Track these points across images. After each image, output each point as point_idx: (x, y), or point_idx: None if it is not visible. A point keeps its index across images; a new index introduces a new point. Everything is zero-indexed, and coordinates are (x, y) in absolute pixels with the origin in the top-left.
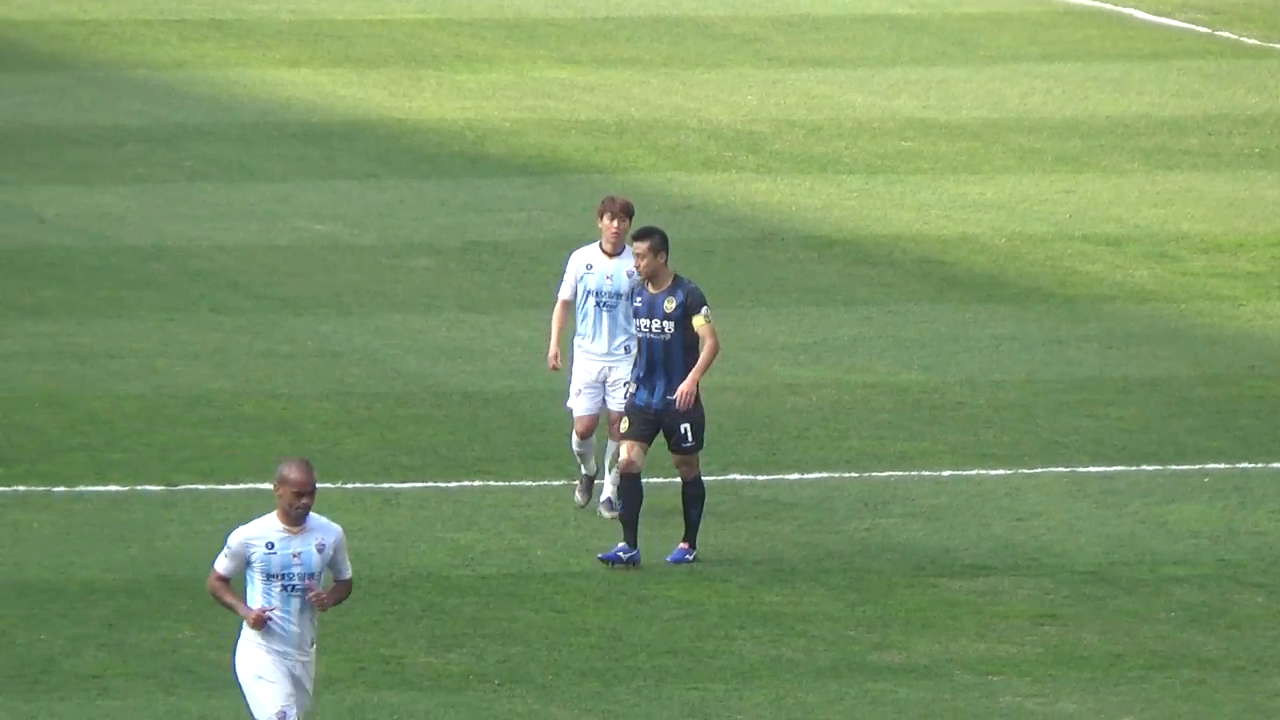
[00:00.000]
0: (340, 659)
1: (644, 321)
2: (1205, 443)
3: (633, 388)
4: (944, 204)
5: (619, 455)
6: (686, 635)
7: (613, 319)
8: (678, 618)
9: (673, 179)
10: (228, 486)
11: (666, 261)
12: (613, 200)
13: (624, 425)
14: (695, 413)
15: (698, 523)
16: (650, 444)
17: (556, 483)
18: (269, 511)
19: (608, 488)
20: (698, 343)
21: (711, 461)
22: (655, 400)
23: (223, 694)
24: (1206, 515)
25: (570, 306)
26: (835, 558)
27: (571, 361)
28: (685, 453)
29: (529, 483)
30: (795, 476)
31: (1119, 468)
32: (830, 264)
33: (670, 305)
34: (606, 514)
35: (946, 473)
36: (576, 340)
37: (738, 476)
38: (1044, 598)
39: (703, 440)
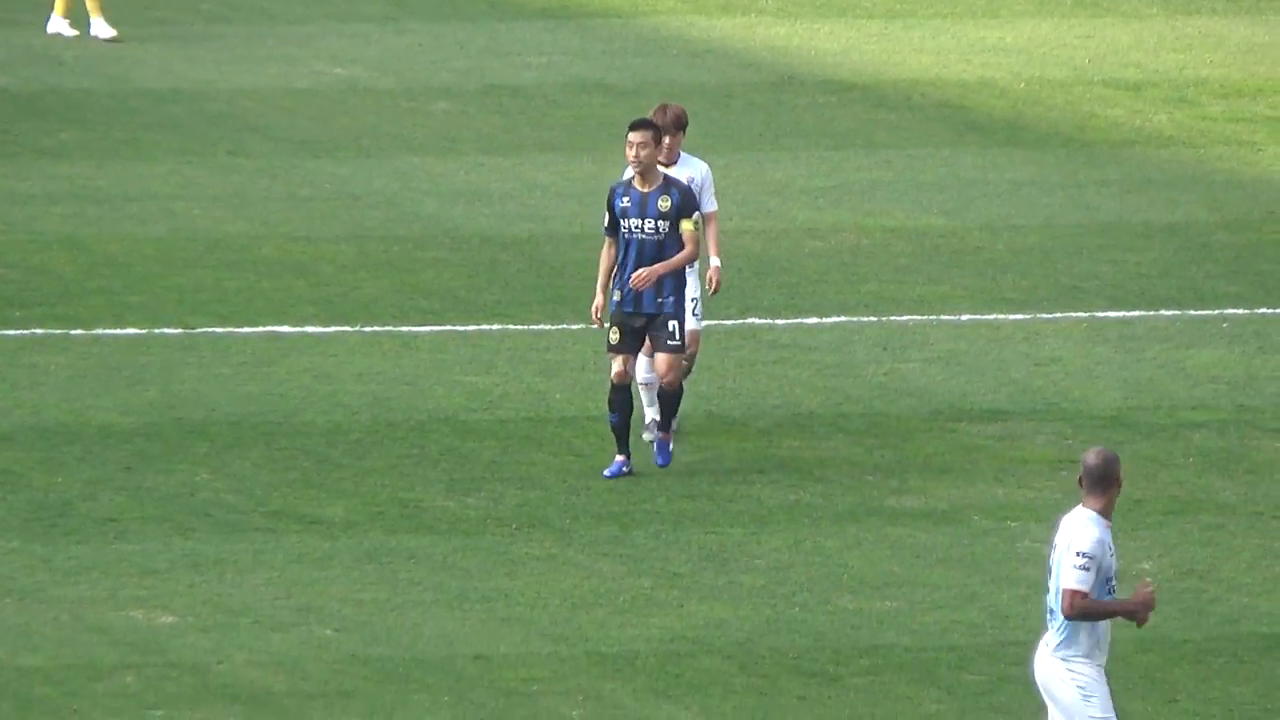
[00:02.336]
0: (358, 503)
1: (634, 221)
2: (1224, 288)
3: (617, 295)
4: (963, 48)
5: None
6: (704, 480)
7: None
8: (696, 462)
9: (692, 23)
10: (245, 330)
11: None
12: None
13: (614, 337)
14: (682, 312)
15: (672, 415)
16: (638, 353)
17: (575, 326)
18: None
19: (649, 413)
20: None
21: (730, 306)
22: (647, 304)
23: (240, 537)
24: (1225, 360)
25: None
26: (853, 402)
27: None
28: (672, 351)
29: (547, 326)
30: (814, 321)
31: (1138, 313)
32: (849, 108)
33: (665, 204)
34: (648, 437)
35: (965, 317)
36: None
37: (756, 321)
38: (1062, 443)
39: (685, 343)
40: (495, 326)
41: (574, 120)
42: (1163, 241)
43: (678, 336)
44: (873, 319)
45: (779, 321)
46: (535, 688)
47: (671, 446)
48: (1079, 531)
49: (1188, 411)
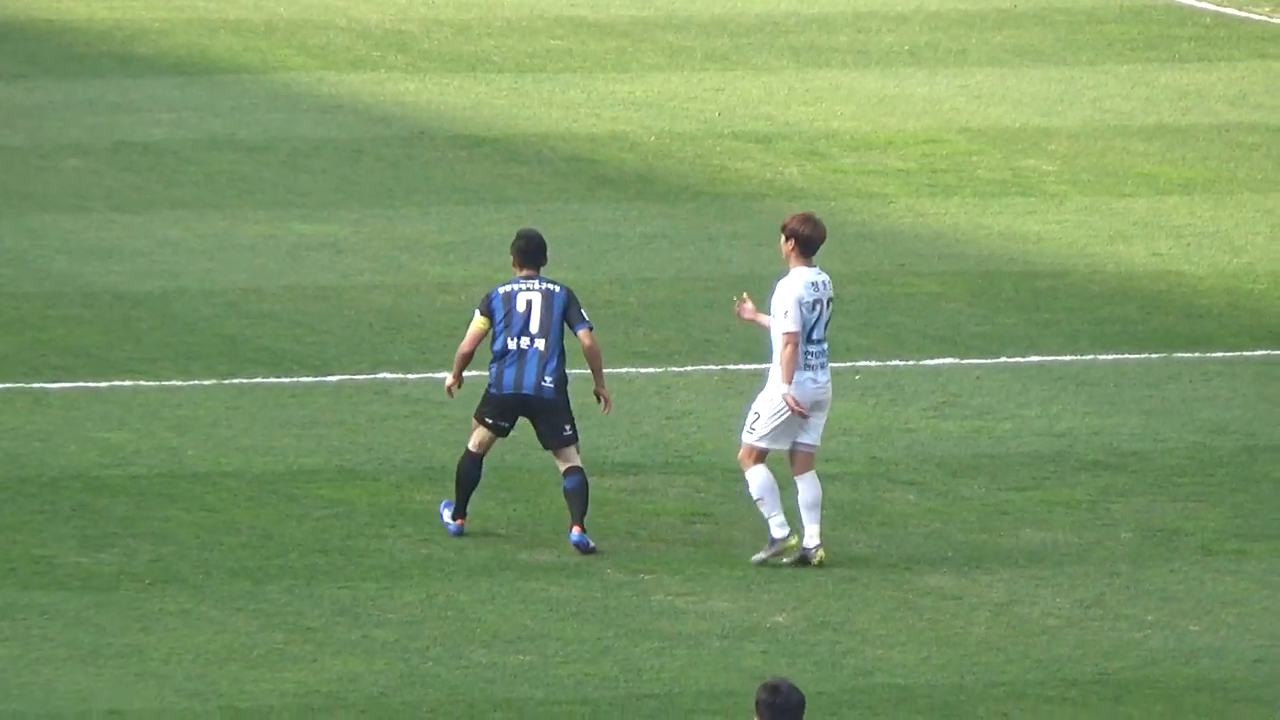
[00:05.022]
0: None
1: None
2: (856, 340)
3: None
4: (593, 102)
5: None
6: (337, 534)
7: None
8: (328, 516)
9: (322, 79)
10: None
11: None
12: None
13: None
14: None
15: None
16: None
17: (207, 382)
18: None
19: (810, 537)
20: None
21: (362, 360)
22: None
23: None
24: (858, 413)
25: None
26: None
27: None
28: None
29: (180, 382)
30: (444, 375)
31: (770, 365)
32: (480, 163)
33: None
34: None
35: None
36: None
37: (388, 375)
38: (695, 496)
39: (478, 414)
40: (127, 383)
41: (204, 177)
42: None
43: None
44: None
45: (411, 376)
46: None
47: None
48: None
49: (821, 464)
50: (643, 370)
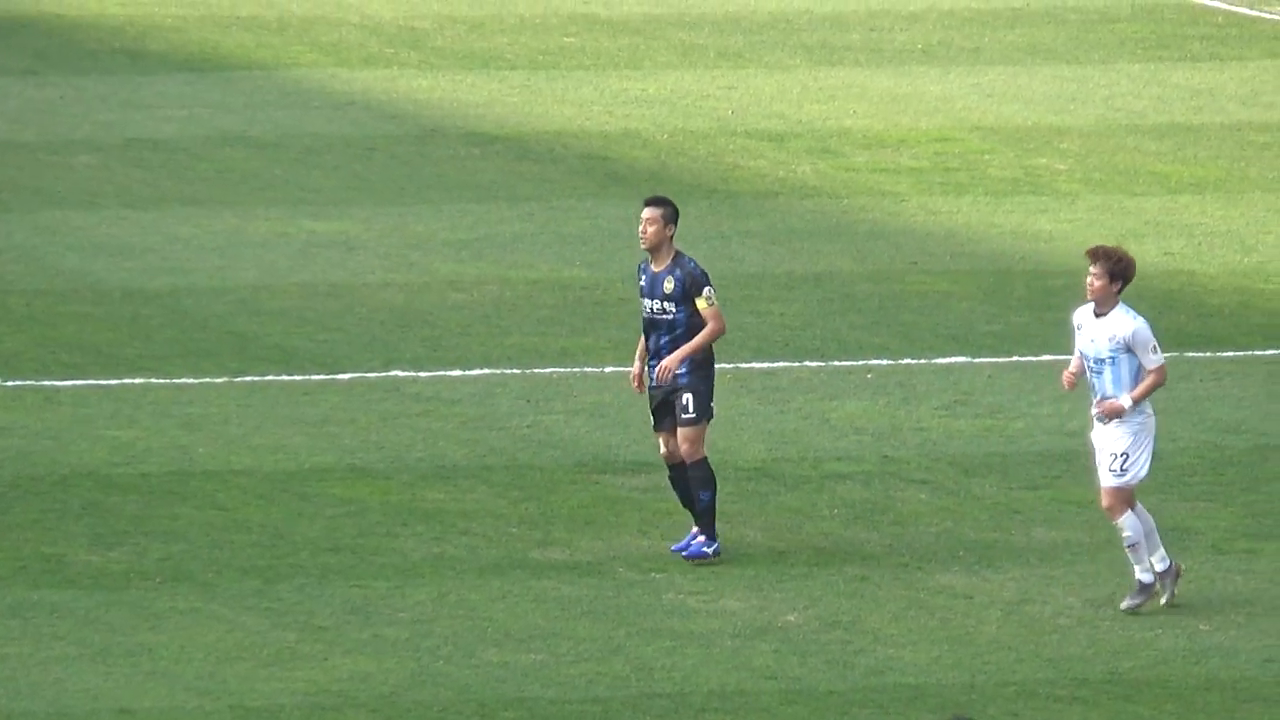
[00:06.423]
0: (0, 558)
1: (646, 301)
2: (868, 338)
3: (646, 372)
4: (606, 100)
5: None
6: (349, 533)
7: (1101, 385)
8: (340, 515)
9: (334, 75)
10: None
11: (672, 236)
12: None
13: (654, 420)
14: (699, 384)
15: (710, 507)
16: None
17: (218, 380)
18: None
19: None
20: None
21: (374, 358)
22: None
23: None
24: (869, 411)
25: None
26: (497, 454)
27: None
28: (685, 425)
29: (190, 380)
30: (457, 373)
31: (782, 364)
32: (492, 160)
33: (669, 285)
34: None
35: (609, 369)
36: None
37: (399, 373)
38: None
39: (707, 412)
40: (138, 380)
41: (216, 173)
42: (807, 292)
43: (691, 409)
44: (516, 371)
45: (422, 374)
46: None
47: (708, 548)
48: None
49: (832, 463)
50: None
